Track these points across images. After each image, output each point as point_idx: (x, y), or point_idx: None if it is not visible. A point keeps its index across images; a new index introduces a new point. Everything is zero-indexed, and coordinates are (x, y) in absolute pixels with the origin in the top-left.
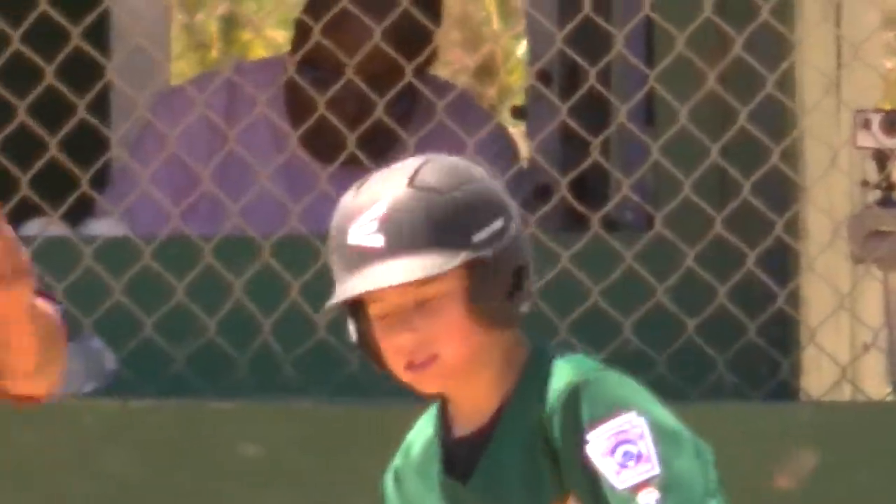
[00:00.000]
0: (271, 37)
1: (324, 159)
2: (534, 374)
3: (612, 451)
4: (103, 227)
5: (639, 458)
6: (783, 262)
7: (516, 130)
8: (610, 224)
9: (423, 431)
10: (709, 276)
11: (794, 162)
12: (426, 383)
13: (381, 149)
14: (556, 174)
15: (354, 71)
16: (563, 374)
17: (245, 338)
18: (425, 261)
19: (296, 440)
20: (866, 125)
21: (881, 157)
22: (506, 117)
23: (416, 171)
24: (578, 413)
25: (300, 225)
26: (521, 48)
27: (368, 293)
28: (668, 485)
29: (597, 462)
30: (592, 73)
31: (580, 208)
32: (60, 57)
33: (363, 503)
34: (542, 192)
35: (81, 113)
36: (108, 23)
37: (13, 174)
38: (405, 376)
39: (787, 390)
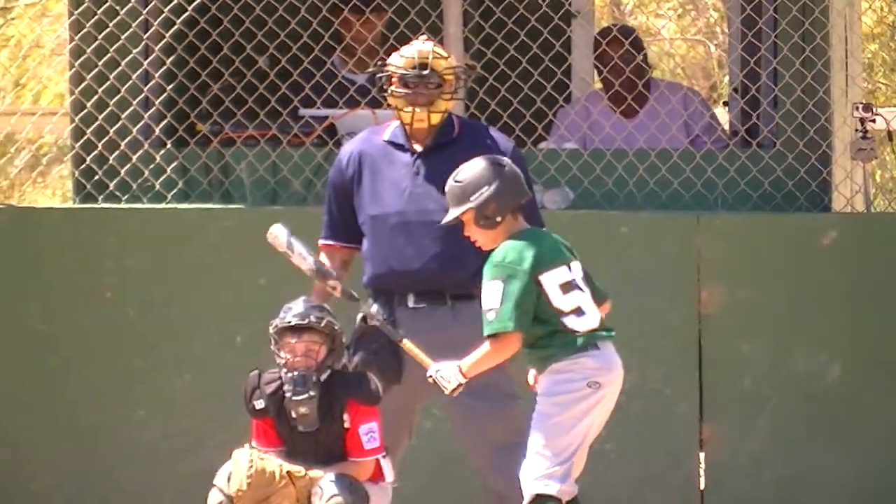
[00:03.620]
0: None
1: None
2: (503, 244)
3: (486, 290)
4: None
5: (492, 297)
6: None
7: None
8: None
9: None
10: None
11: None
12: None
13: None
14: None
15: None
16: (501, 251)
17: None
18: (453, 212)
19: None
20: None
21: (863, 121)
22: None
23: (458, 172)
24: (488, 266)
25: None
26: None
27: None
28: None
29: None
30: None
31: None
32: None
33: None
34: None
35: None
36: None
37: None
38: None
39: (829, 208)
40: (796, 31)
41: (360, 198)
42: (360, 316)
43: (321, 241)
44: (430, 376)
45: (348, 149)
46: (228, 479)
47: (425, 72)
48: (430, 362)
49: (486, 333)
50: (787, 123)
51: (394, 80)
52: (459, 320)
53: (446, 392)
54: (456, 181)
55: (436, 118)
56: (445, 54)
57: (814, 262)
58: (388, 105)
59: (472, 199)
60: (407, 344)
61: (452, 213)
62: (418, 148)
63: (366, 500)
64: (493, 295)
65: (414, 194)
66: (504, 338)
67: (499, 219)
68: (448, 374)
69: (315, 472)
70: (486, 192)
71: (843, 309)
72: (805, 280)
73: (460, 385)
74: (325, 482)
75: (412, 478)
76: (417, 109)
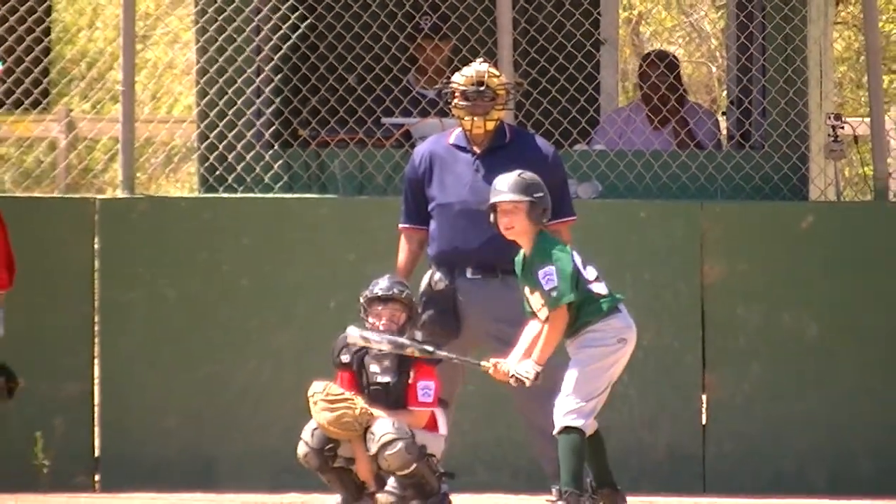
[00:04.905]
0: None
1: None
2: (537, 241)
3: (544, 276)
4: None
5: (551, 280)
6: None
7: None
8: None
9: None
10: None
11: None
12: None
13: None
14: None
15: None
16: (540, 246)
17: None
18: (514, 196)
19: None
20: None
21: (834, 128)
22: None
23: (521, 173)
24: (534, 261)
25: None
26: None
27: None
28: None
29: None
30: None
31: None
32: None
33: None
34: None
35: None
36: None
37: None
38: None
39: (806, 198)
40: (781, 56)
41: (430, 189)
42: (425, 282)
43: (401, 226)
44: (512, 376)
45: (420, 150)
46: (311, 435)
47: (482, 88)
48: (488, 364)
49: (551, 307)
50: (773, 129)
51: (457, 94)
52: (508, 288)
53: (528, 384)
54: (522, 176)
55: (490, 125)
56: (498, 73)
57: (795, 241)
58: (453, 115)
59: (534, 195)
60: (456, 359)
61: (512, 196)
62: (477, 150)
63: (411, 437)
64: (551, 276)
65: (474, 187)
66: (563, 309)
67: (545, 220)
68: (524, 369)
69: (375, 411)
70: (545, 197)
71: (819, 279)
72: (788, 256)
73: (538, 374)
74: (376, 426)
75: (466, 413)
76: (475, 118)
